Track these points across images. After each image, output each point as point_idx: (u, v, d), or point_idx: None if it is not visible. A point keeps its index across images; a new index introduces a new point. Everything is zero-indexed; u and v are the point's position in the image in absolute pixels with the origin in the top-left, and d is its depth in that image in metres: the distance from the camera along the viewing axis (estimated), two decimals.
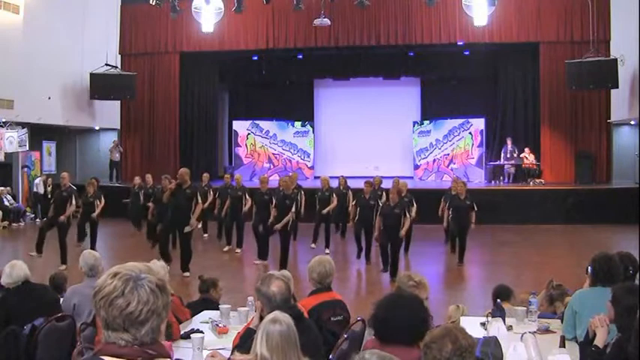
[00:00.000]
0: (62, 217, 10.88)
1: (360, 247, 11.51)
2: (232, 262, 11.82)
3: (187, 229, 9.93)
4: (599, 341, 3.48)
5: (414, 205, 11.48)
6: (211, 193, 13.79)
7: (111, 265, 1.79)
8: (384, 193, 12.60)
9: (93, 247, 12.22)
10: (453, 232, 11.47)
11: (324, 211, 12.37)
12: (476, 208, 11.22)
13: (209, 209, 13.74)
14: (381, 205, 10.86)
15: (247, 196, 12.58)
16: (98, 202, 12.25)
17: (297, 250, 12.78)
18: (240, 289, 8.96)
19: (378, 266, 10.83)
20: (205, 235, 14.25)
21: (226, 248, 12.50)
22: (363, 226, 11.30)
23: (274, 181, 17.71)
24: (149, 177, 14.75)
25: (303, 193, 13.19)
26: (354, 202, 11.82)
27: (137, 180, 15.01)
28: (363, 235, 11.38)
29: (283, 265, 9.92)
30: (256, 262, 11.10)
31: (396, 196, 10.18)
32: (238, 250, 12.38)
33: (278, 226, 10.40)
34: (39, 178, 18.23)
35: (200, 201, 10.18)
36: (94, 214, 11.96)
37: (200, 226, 13.12)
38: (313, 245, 12.44)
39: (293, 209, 10.59)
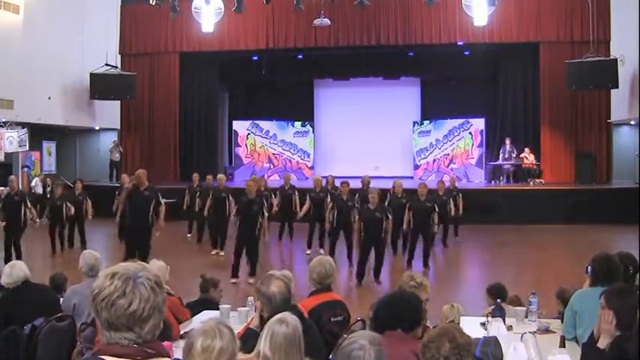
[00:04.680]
0: (36, 225, 10.82)
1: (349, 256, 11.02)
2: (229, 262, 11.73)
3: (156, 234, 9.60)
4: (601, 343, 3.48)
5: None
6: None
7: (108, 266, 1.79)
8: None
9: (83, 249, 12.17)
10: (413, 236, 10.83)
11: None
12: (437, 210, 10.96)
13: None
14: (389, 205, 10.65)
15: (231, 197, 12.08)
16: (68, 204, 12.03)
17: (294, 250, 12.73)
18: (240, 289, 8.96)
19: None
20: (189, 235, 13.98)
21: (214, 252, 12.06)
22: (341, 230, 10.94)
23: (273, 181, 17.79)
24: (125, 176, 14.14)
25: (273, 195, 12.93)
26: (330, 205, 11.31)
27: (125, 178, 14.73)
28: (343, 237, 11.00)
29: (252, 272, 9.64)
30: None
31: (376, 199, 9.76)
32: (222, 254, 11.90)
33: (266, 238, 10.03)
34: (37, 178, 18.21)
35: (162, 202, 9.63)
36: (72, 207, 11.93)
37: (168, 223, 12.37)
38: (308, 252, 11.97)
39: (266, 214, 9.92)
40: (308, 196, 12.38)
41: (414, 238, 10.77)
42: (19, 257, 10.40)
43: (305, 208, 12.31)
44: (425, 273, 10.40)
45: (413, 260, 10.72)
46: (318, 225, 12.23)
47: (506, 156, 18.43)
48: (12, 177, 11.38)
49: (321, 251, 11.77)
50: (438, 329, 2.72)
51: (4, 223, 10.67)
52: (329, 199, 11.67)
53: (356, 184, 12.65)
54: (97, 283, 1.73)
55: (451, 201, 12.74)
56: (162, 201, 9.66)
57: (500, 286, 5.71)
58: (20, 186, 18.11)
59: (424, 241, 10.81)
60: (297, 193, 13.07)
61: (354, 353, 2.44)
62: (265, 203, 10.36)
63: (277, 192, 13.10)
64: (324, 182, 12.85)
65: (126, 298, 1.67)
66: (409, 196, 11.36)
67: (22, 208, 10.56)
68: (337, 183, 12.81)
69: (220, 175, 13.47)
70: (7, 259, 10.25)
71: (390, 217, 9.80)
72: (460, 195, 13.49)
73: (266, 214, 9.92)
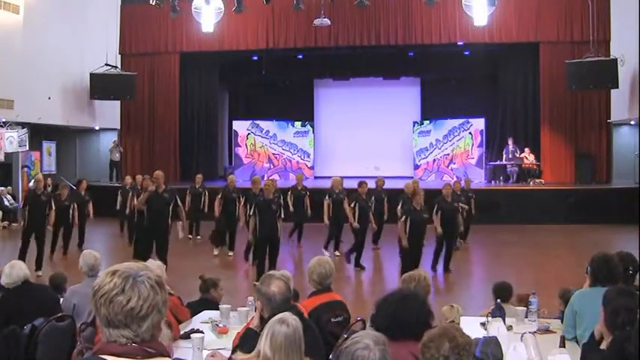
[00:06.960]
0: (50, 227, 10.60)
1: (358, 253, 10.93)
2: (231, 262, 11.77)
3: (181, 235, 9.72)
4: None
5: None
6: (206, 194, 13.59)
7: (109, 266, 1.80)
8: (385, 195, 12.51)
9: (80, 249, 12.11)
10: (440, 238, 10.48)
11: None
12: (460, 210, 10.94)
13: (202, 210, 13.59)
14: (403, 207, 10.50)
15: (242, 198, 11.93)
16: (75, 206, 11.80)
17: (303, 252, 12.71)
18: (240, 289, 8.96)
19: (377, 268, 10.80)
20: (198, 237, 13.80)
21: (216, 252, 12.06)
22: (362, 228, 10.89)
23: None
24: (139, 177, 14.13)
25: (308, 194, 13.06)
26: (352, 205, 11.24)
27: (129, 179, 14.72)
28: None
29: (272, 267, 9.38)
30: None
31: (422, 200, 9.47)
32: (230, 254, 11.94)
33: (282, 239, 9.80)
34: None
35: (181, 204, 9.61)
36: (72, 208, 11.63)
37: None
38: (338, 253, 11.72)
39: (282, 215, 9.75)
40: (328, 197, 12.15)
41: (440, 240, 10.48)
42: (39, 259, 10.23)
43: (326, 209, 11.98)
44: (446, 277, 10.39)
45: (437, 264, 10.56)
46: (336, 227, 11.97)
47: (510, 156, 18.43)
48: (39, 175, 11.23)
49: (337, 253, 11.67)
50: (437, 329, 2.71)
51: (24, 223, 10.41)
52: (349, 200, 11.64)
53: (352, 184, 12.60)
54: (98, 280, 1.75)
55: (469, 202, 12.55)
56: (180, 203, 9.64)
57: (504, 286, 5.66)
58: (20, 186, 18.20)
59: (447, 242, 10.55)
60: (309, 194, 13.06)
61: (358, 353, 2.44)
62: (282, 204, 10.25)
63: (290, 193, 13.02)
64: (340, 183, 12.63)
65: (124, 295, 1.69)
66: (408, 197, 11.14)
67: (47, 208, 10.39)
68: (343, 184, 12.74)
69: (231, 176, 13.46)
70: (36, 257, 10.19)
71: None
72: (474, 196, 13.21)
73: (282, 216, 9.75)
